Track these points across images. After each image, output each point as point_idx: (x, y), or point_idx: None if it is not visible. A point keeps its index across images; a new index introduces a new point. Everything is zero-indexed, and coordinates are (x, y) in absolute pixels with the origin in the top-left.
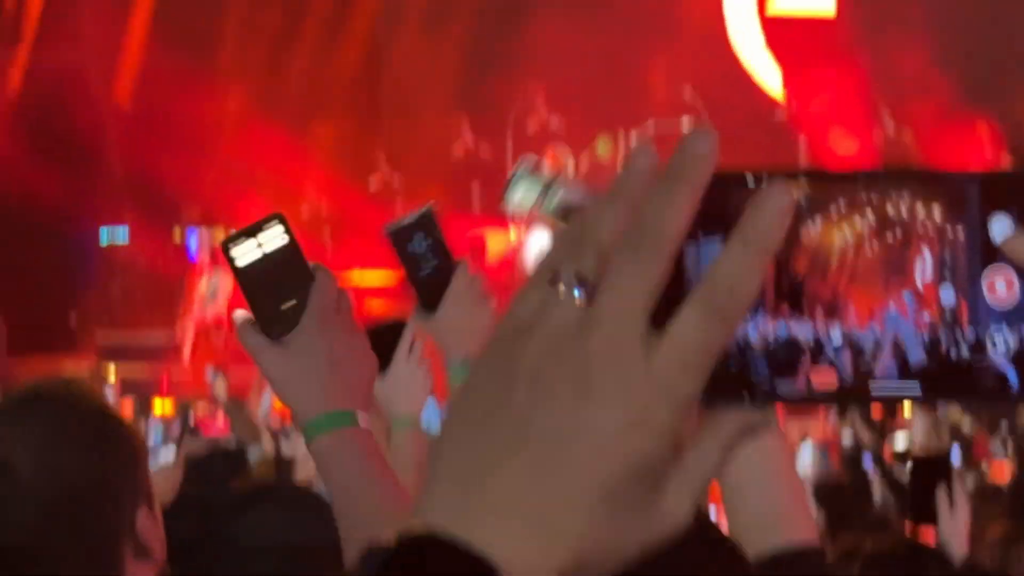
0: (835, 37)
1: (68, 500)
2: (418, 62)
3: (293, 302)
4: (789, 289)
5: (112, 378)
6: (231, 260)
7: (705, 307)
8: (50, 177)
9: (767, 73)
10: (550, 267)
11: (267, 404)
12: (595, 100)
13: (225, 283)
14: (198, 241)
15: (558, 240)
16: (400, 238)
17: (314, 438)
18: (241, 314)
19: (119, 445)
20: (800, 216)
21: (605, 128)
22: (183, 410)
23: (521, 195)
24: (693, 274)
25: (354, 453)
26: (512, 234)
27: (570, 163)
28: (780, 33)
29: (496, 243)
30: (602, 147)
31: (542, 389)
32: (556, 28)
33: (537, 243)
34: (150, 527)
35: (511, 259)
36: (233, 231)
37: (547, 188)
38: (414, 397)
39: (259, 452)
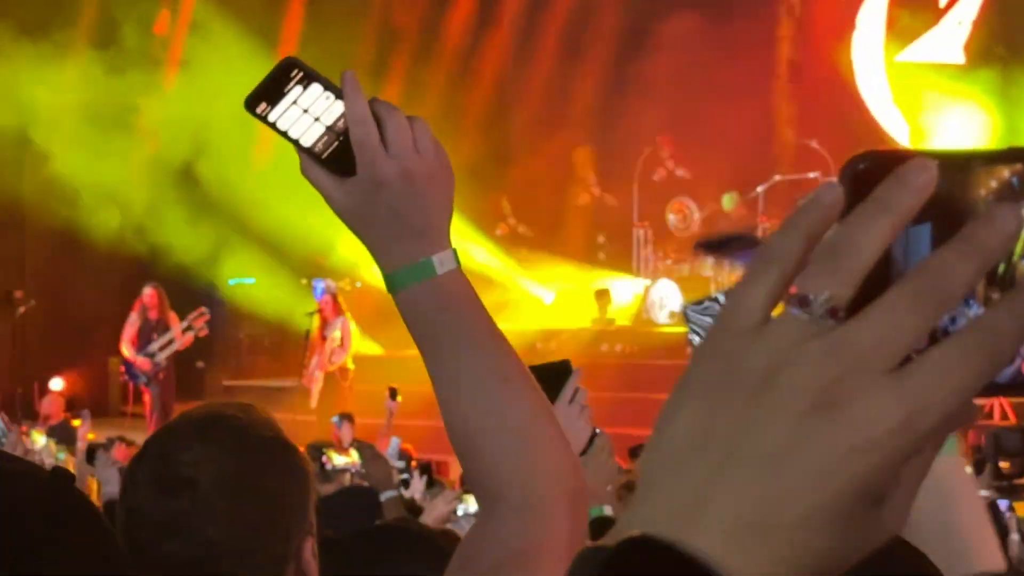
0: (964, 87)
1: (245, 521)
2: (543, 113)
3: (335, 138)
4: (1001, 277)
5: None
6: (266, 121)
7: (963, 345)
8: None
9: (895, 124)
10: (801, 284)
11: (395, 446)
12: (721, 152)
13: (349, 330)
14: (323, 289)
15: (815, 259)
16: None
17: (394, 294)
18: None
19: (295, 473)
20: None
21: (731, 180)
22: (316, 452)
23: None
24: (901, 263)
25: (434, 307)
26: (637, 283)
27: (696, 215)
28: (909, 83)
29: (621, 293)
30: (727, 201)
31: (774, 402)
32: (681, 79)
33: (661, 292)
34: (310, 560)
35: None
36: (254, 89)
37: None
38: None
39: (391, 494)
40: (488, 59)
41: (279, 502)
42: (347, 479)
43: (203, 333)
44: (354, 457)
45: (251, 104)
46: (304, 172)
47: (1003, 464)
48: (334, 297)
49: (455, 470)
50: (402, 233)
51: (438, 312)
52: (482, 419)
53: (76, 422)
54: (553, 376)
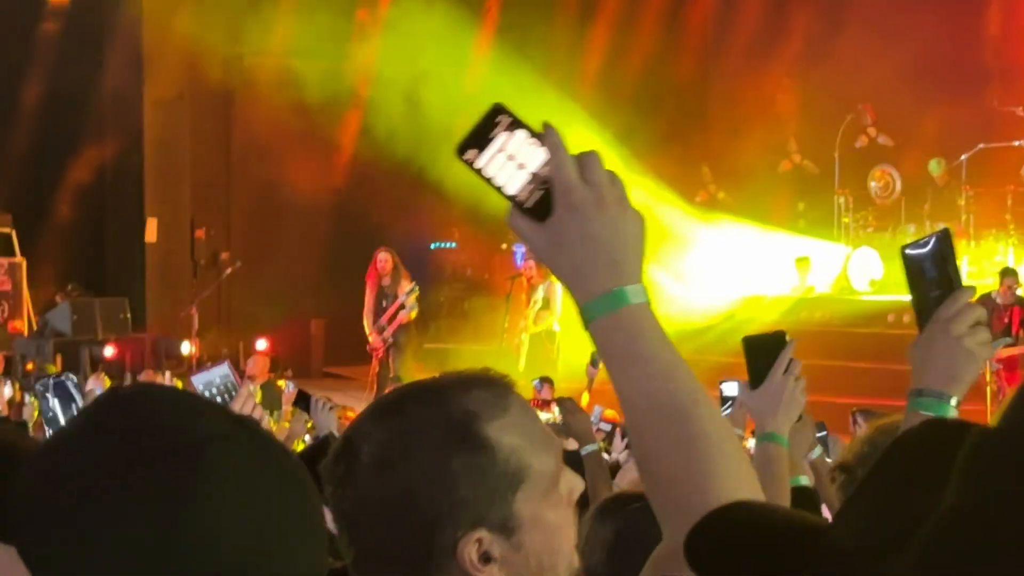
0: None
1: (393, 504)
2: (745, 79)
3: (538, 185)
4: None
5: None
6: (473, 168)
7: None
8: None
9: None
10: None
11: (598, 414)
12: (922, 120)
13: (558, 293)
14: (524, 254)
15: None
16: (915, 260)
17: (587, 324)
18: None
19: (465, 464)
20: None
21: (932, 149)
22: None
23: None
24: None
25: (626, 336)
26: (838, 250)
27: (898, 183)
28: None
29: (821, 260)
30: (934, 166)
31: None
32: (880, 45)
33: (862, 259)
34: (474, 560)
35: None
36: (464, 136)
37: None
38: (786, 415)
39: (592, 448)
40: (690, 26)
41: (430, 493)
42: None
43: (413, 313)
44: (555, 414)
45: (461, 151)
46: (509, 220)
47: None
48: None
49: None
50: (596, 262)
51: (629, 341)
52: (665, 444)
53: (281, 383)
54: (768, 347)
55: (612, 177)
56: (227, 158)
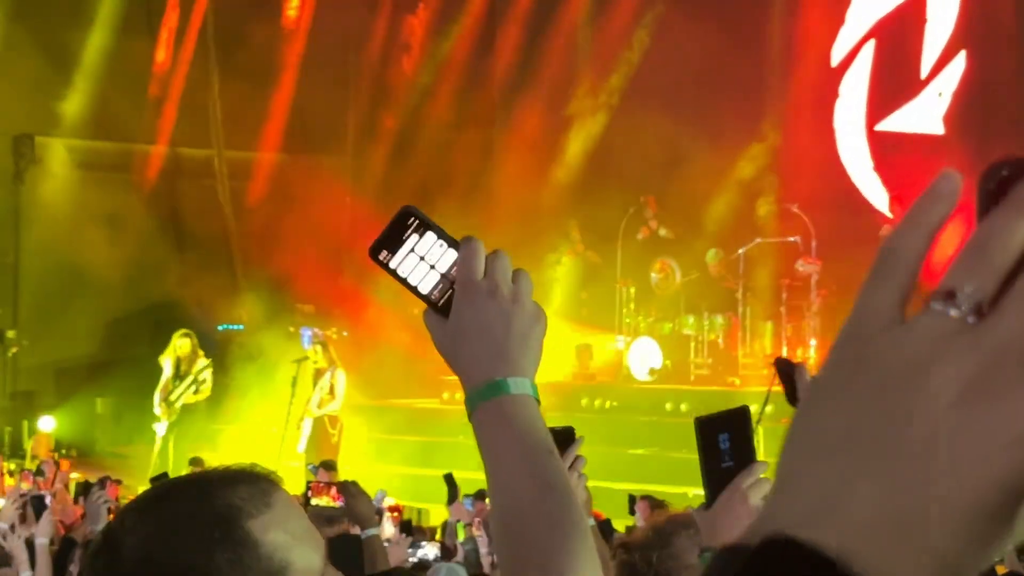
0: (944, 158)
1: None
2: (529, 175)
3: (449, 285)
4: None
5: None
6: (387, 268)
7: None
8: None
9: (875, 192)
10: (947, 280)
11: (380, 498)
12: (704, 214)
13: (342, 380)
14: (311, 337)
15: (959, 257)
16: (707, 429)
17: (471, 413)
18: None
19: (228, 560)
20: None
21: (712, 242)
22: (303, 500)
23: None
24: None
25: (501, 422)
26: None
27: (677, 272)
28: (888, 153)
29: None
30: (711, 256)
31: (923, 393)
32: (667, 145)
33: (642, 350)
34: None
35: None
36: (377, 238)
37: None
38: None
39: (373, 531)
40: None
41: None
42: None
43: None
44: (327, 500)
45: (374, 252)
46: (424, 317)
47: None
48: (324, 346)
49: (435, 517)
50: (485, 352)
51: (501, 428)
52: (520, 526)
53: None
54: (556, 441)
55: (517, 275)
56: (16, 234)
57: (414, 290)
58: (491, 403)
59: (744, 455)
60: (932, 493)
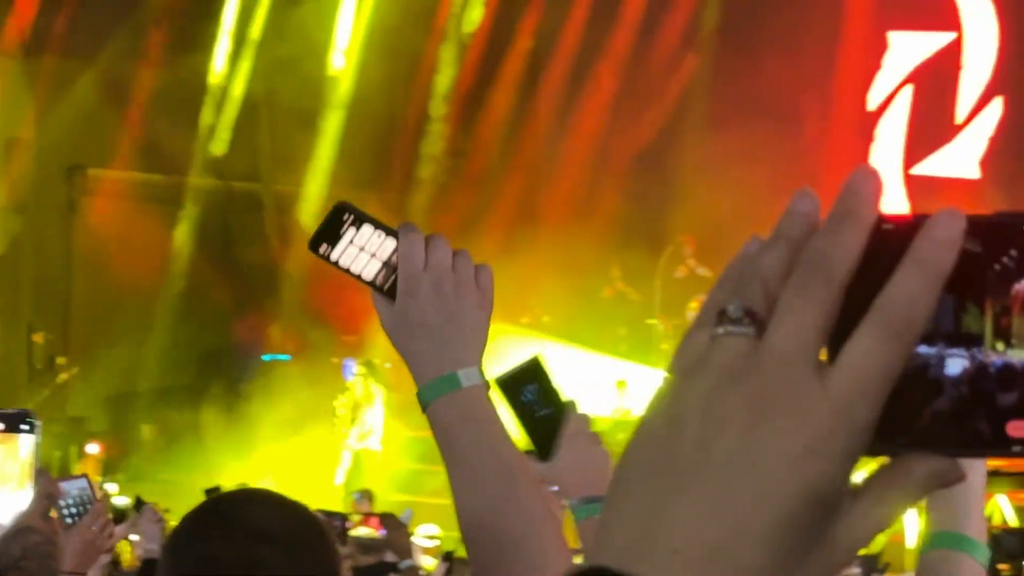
0: (979, 202)
1: None
2: (574, 207)
3: (392, 271)
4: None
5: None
6: (329, 260)
7: (879, 330)
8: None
9: None
10: (715, 306)
11: (408, 516)
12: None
13: (381, 411)
14: (354, 369)
15: (721, 281)
16: (509, 387)
17: (424, 408)
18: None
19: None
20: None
21: None
22: (340, 522)
23: None
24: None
25: (457, 418)
26: (657, 374)
27: None
28: (924, 197)
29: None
30: None
31: (715, 420)
32: (705, 184)
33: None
34: None
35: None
36: (314, 233)
37: None
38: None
39: (409, 563)
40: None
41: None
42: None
43: None
44: (370, 531)
45: (314, 246)
46: (372, 300)
47: (1000, 566)
48: (371, 367)
49: None
50: (431, 347)
51: (461, 423)
52: (493, 519)
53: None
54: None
55: (460, 261)
56: (68, 263)
57: (358, 277)
58: (445, 399)
59: (555, 399)
60: (738, 514)
